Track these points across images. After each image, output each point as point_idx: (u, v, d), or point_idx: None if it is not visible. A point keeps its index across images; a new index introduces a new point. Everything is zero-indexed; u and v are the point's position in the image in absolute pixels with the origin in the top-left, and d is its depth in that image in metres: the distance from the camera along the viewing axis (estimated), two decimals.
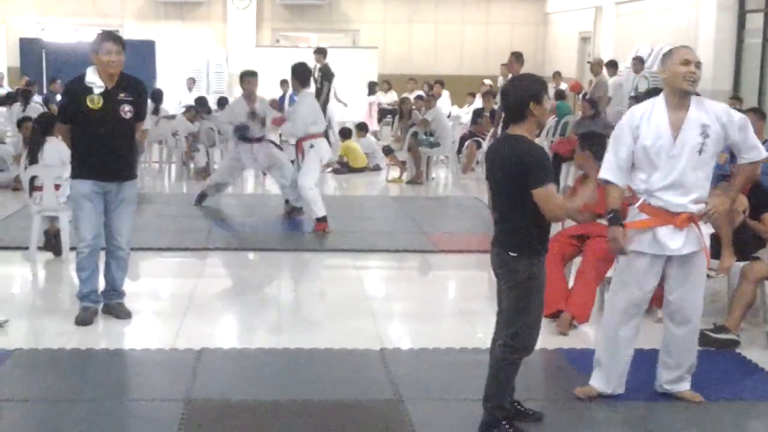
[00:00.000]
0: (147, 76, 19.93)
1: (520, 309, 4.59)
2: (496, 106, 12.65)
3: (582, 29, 22.95)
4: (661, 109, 4.91)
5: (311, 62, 17.57)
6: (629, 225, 5.00)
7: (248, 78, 10.72)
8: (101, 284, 6.64)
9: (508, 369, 4.64)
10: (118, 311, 6.56)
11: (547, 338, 6.37)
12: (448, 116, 17.66)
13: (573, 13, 23.49)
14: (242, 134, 10.68)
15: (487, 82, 20.41)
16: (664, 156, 4.85)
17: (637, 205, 4.99)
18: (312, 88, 10.36)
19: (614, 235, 4.97)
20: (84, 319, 6.39)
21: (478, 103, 18.06)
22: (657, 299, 6.93)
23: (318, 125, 9.86)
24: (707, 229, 5.02)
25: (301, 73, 10.13)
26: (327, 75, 16.29)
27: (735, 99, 14.03)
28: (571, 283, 6.84)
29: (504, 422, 4.69)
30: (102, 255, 6.60)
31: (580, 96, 16.85)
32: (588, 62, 19.18)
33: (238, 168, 11.32)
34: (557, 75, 20.55)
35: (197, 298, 7.34)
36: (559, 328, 6.44)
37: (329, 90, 16.48)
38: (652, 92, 10.38)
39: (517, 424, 4.72)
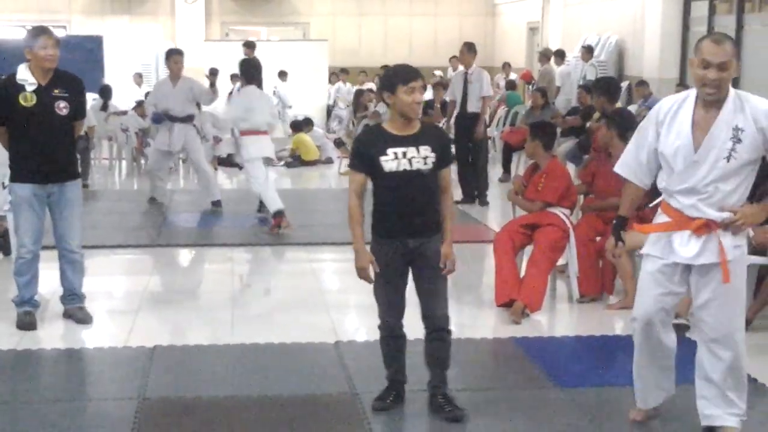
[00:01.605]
0: (95, 71, 19.69)
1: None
2: (446, 98, 12.67)
3: (530, 19, 23.07)
4: (689, 106, 4.27)
5: (241, 55, 17.67)
6: (639, 228, 4.71)
7: (174, 57, 10.60)
8: (59, 290, 6.54)
9: (380, 336, 4.90)
10: (78, 316, 6.45)
11: (500, 327, 6.45)
12: None
13: (521, 3, 23.61)
14: (157, 120, 10.64)
15: (438, 73, 20.47)
16: (681, 160, 4.24)
17: (658, 202, 4.68)
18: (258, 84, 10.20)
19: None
20: (26, 324, 6.27)
21: (428, 94, 18.08)
22: (607, 285, 7.06)
23: (250, 121, 9.70)
24: (735, 241, 4.29)
25: (244, 70, 10.06)
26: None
27: (681, 86, 14.20)
28: (522, 273, 6.89)
29: (391, 393, 4.93)
30: (54, 259, 6.52)
31: (530, 86, 16.99)
32: (537, 52, 19.35)
33: (161, 152, 11.05)
34: (507, 66, 20.67)
35: (149, 295, 7.29)
36: (512, 317, 6.48)
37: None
38: (602, 81, 10.55)
39: (394, 390, 4.92)
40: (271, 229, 9.52)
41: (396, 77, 4.60)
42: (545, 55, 17.47)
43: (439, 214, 4.71)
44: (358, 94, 18.65)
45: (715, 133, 4.19)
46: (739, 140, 4.15)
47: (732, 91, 4.22)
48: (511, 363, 5.82)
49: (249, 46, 16.95)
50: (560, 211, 6.93)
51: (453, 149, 13.75)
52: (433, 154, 4.62)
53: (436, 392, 4.85)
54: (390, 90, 4.59)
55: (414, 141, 4.61)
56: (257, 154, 9.73)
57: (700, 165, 4.21)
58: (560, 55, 17.95)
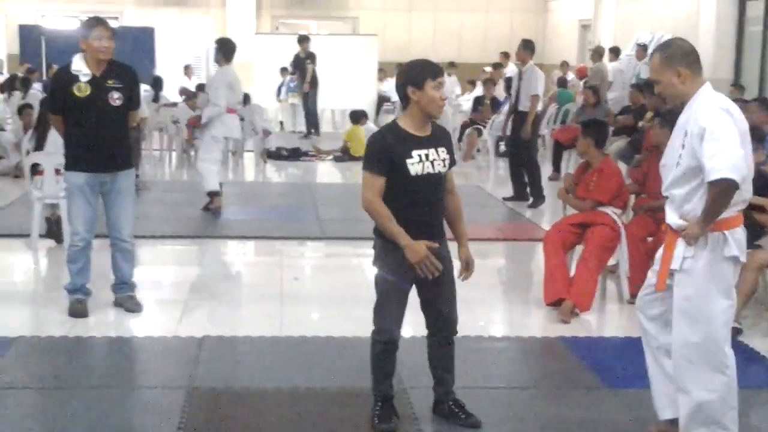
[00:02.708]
0: (146, 63, 19.92)
1: (375, 287, 4.61)
2: (497, 94, 12.61)
3: (582, 16, 22.90)
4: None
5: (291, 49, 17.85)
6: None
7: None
8: (111, 278, 6.61)
9: (373, 348, 4.61)
10: (129, 304, 6.51)
11: (549, 326, 6.41)
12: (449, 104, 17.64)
13: (573, 0, 23.44)
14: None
15: (488, 69, 20.40)
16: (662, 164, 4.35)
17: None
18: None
19: None
20: (78, 311, 6.34)
21: (478, 90, 18.05)
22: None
23: (216, 101, 9.82)
24: (688, 252, 4.17)
25: (219, 47, 10.12)
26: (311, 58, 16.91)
27: (736, 87, 14.02)
28: (572, 272, 6.84)
29: (379, 403, 4.66)
30: (105, 247, 6.59)
31: (584, 82, 16.86)
32: (589, 50, 19.20)
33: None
34: (565, 63, 20.50)
35: (199, 285, 7.34)
36: (561, 316, 6.44)
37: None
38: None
39: (392, 406, 4.66)
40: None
41: (425, 71, 4.33)
42: (597, 53, 17.32)
43: (444, 229, 4.56)
44: None
45: (673, 137, 4.26)
46: (684, 145, 4.14)
47: (699, 92, 4.17)
48: (559, 362, 5.78)
49: (303, 40, 17.06)
50: (611, 211, 6.87)
51: (504, 147, 13.85)
52: (447, 156, 4.47)
53: (448, 398, 4.75)
54: (416, 85, 4.32)
55: (433, 142, 4.43)
56: (222, 131, 10.04)
57: (667, 170, 4.26)
58: (615, 51, 17.80)
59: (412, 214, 4.39)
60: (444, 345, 4.69)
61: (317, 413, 4.88)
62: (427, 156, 4.37)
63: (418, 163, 4.35)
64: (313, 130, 17.85)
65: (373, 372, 4.67)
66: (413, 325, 6.37)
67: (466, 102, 18.51)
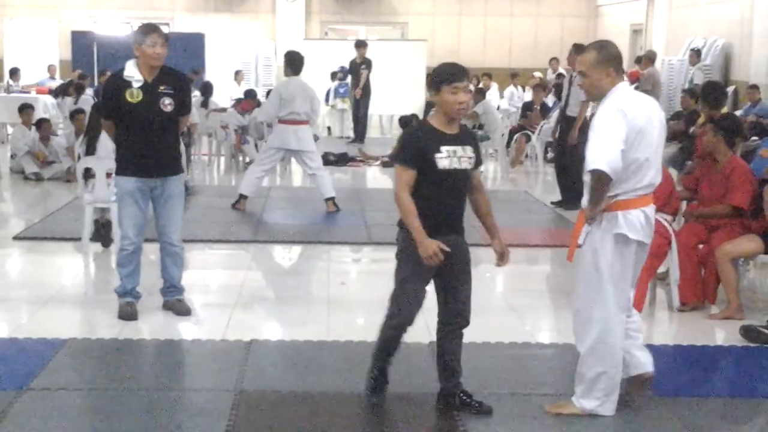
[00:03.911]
0: (197, 69, 20.04)
1: (395, 277, 4.80)
2: (546, 100, 12.53)
3: (633, 21, 22.71)
4: None
5: (341, 54, 17.91)
6: None
7: None
8: (160, 282, 6.67)
9: (384, 333, 4.88)
10: (178, 308, 6.56)
11: None
12: (498, 109, 17.59)
13: (624, 5, 23.25)
14: None
15: (537, 74, 20.30)
16: None
17: None
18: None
19: None
20: (128, 315, 6.40)
21: (528, 96, 17.97)
22: (710, 294, 6.89)
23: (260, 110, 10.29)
24: (587, 228, 4.67)
25: (286, 60, 10.46)
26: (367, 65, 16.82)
27: None
28: None
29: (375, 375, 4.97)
30: (155, 251, 6.65)
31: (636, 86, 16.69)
32: (638, 55, 19.01)
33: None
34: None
35: (246, 289, 7.37)
36: None
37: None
38: (708, 86, 10.31)
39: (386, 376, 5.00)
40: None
41: (441, 76, 4.62)
42: (649, 58, 17.16)
43: (463, 225, 4.82)
44: None
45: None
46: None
47: (613, 90, 4.62)
48: None
49: (360, 45, 17.09)
50: (662, 217, 6.78)
51: (552, 152, 13.75)
52: (473, 155, 4.74)
53: (458, 389, 4.87)
54: (435, 88, 4.64)
55: (460, 140, 4.70)
56: (278, 142, 10.49)
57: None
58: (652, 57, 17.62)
59: (436, 206, 4.67)
60: (457, 336, 4.85)
61: (363, 418, 4.89)
62: (454, 152, 4.65)
63: (446, 158, 4.62)
64: (358, 137, 17.84)
65: (378, 353, 4.97)
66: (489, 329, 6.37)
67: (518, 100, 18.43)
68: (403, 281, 4.75)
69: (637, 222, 4.64)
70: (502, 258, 4.90)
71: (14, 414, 4.75)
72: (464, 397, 4.85)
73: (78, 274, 7.98)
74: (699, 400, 5.19)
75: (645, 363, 4.98)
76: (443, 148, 4.62)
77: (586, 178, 4.58)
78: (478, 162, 4.82)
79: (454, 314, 4.80)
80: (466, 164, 4.69)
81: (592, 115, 5.38)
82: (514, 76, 20.72)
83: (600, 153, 4.44)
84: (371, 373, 5.01)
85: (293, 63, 10.38)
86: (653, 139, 4.63)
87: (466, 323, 4.84)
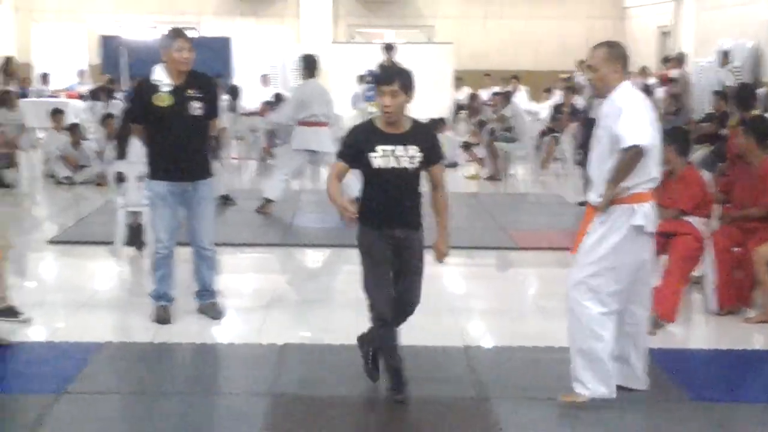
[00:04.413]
0: (223, 72, 20.09)
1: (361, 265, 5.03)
2: (576, 102, 12.49)
3: (661, 23, 22.57)
4: None
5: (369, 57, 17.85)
6: None
7: None
8: (193, 285, 6.69)
9: (376, 330, 5.02)
10: (211, 311, 6.59)
11: None
12: (527, 112, 17.52)
13: (652, 6, 23.11)
14: None
15: (564, 77, 20.21)
16: None
17: None
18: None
19: None
20: (162, 318, 6.43)
21: (557, 98, 17.90)
22: (746, 298, 6.83)
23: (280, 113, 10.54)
24: (599, 219, 4.89)
25: (302, 63, 10.64)
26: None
27: None
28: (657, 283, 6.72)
29: (403, 384, 5.05)
30: (188, 255, 6.67)
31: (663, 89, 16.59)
32: (666, 57, 18.88)
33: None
34: (644, 69, 20.18)
35: (279, 293, 7.38)
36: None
37: None
38: (740, 88, 10.25)
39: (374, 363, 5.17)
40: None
41: (377, 79, 4.98)
42: (679, 60, 17.05)
43: (420, 211, 5.02)
44: (473, 98, 18.53)
45: (600, 119, 4.95)
46: (603, 128, 4.87)
47: (619, 86, 4.82)
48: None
49: (389, 49, 17.08)
50: (696, 221, 6.74)
51: (570, 154, 13.71)
52: (420, 154, 4.87)
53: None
54: (377, 91, 4.89)
55: (403, 140, 4.86)
56: (300, 144, 10.59)
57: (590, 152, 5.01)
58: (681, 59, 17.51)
59: (378, 202, 4.91)
60: (399, 320, 5.07)
61: (401, 422, 4.88)
62: (392, 152, 4.84)
63: (381, 158, 4.83)
64: None
65: (380, 349, 5.10)
66: (497, 335, 6.36)
67: (544, 110, 18.36)
68: (365, 275, 4.99)
69: (650, 214, 4.85)
70: (439, 256, 5.15)
71: (52, 418, 4.79)
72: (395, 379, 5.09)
73: (112, 278, 8.03)
74: (735, 405, 5.15)
75: (640, 379, 5.18)
76: (379, 148, 4.82)
77: (595, 171, 4.84)
78: (430, 161, 4.95)
79: (404, 304, 5.04)
80: (406, 163, 4.84)
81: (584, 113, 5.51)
82: (514, 78, 20.68)
83: (637, 130, 4.65)
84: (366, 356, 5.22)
85: (309, 66, 10.51)
86: (657, 134, 4.87)
87: (407, 310, 5.08)
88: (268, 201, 10.61)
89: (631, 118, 4.69)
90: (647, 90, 17.20)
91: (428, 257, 5.17)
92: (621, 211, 4.81)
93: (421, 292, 5.12)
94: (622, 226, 4.81)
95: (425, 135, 5.03)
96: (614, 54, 4.88)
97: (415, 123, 5.00)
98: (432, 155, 4.97)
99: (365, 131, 4.94)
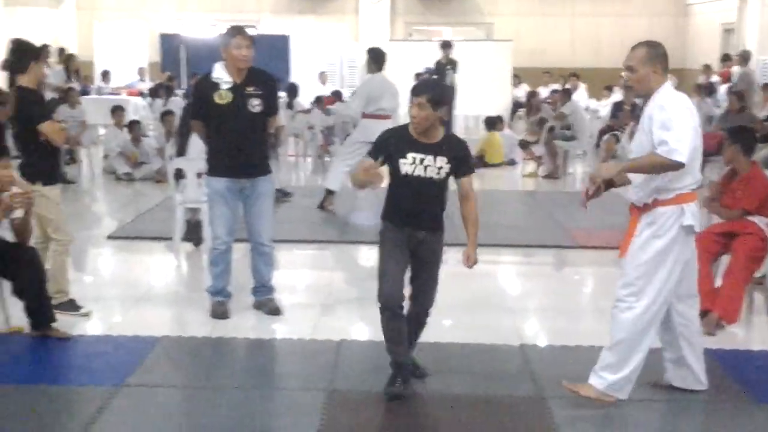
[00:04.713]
0: (281, 70, 20.20)
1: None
2: (636, 100, 12.35)
3: (725, 20, 22.22)
4: None
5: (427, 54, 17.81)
6: None
7: None
8: (251, 281, 6.73)
9: (383, 325, 5.01)
10: (268, 307, 6.62)
11: None
12: (586, 110, 17.36)
13: (715, 3, 22.78)
14: None
15: (625, 74, 19.97)
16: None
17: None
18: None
19: None
20: (219, 313, 6.48)
21: (618, 96, 17.71)
22: None
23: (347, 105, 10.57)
24: (646, 219, 4.84)
25: (369, 56, 10.55)
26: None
27: None
28: (718, 283, 6.61)
29: (398, 378, 5.04)
30: (246, 251, 6.70)
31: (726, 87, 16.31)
32: (726, 54, 18.56)
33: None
34: (707, 68, 19.88)
35: (335, 289, 7.39)
36: (706, 328, 6.21)
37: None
38: None
39: (400, 373, 5.05)
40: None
41: (412, 88, 4.97)
42: (744, 58, 16.76)
43: (442, 215, 5.11)
44: (531, 95, 18.40)
45: (640, 125, 4.89)
46: (647, 131, 4.76)
47: (661, 89, 4.74)
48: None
49: (446, 46, 17.04)
50: (759, 220, 6.61)
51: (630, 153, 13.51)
52: (448, 165, 4.94)
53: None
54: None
55: (433, 150, 4.92)
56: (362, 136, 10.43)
57: (632, 154, 4.96)
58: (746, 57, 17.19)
59: (403, 204, 5.00)
60: (415, 317, 5.18)
61: (455, 420, 4.85)
62: (422, 160, 4.90)
63: (409, 165, 4.91)
64: None
65: (386, 345, 5.06)
66: (553, 334, 6.30)
67: (604, 108, 18.16)
68: (380, 265, 5.06)
69: (697, 213, 4.82)
70: (467, 261, 5.21)
71: (112, 409, 4.85)
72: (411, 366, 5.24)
73: (170, 273, 8.10)
74: None
75: (699, 380, 5.13)
76: (409, 155, 4.90)
77: (651, 159, 4.66)
78: (459, 173, 5.01)
79: (411, 297, 5.14)
80: (432, 173, 4.91)
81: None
82: (574, 76, 20.44)
83: (682, 144, 4.55)
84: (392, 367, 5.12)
85: (377, 59, 10.45)
86: (699, 138, 4.80)
87: (422, 308, 5.18)
88: (330, 193, 10.61)
89: (678, 129, 4.59)
90: (711, 88, 16.94)
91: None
92: (670, 212, 4.75)
93: (436, 295, 5.22)
94: (672, 227, 4.75)
95: (456, 147, 5.04)
96: (653, 54, 4.78)
97: (447, 134, 5.08)
98: (461, 167, 5.03)
99: (398, 136, 5.00)
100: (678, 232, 4.76)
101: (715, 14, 22.90)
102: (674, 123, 4.59)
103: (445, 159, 4.94)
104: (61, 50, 18.33)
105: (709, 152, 12.35)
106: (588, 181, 5.03)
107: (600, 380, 4.92)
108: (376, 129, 10.31)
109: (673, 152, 4.54)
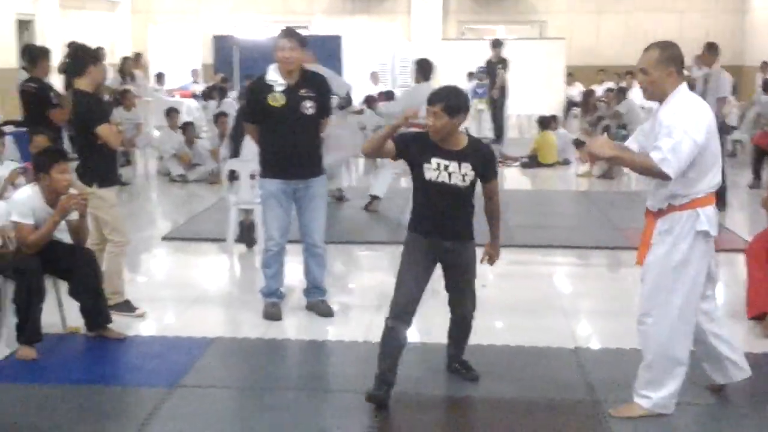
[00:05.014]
0: (334, 70, 20.24)
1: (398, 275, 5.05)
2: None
3: None
4: None
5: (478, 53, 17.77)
6: None
7: None
8: (303, 283, 6.74)
9: (383, 338, 4.94)
10: (321, 309, 6.63)
11: (753, 341, 6.10)
12: (642, 108, 17.15)
13: None
14: None
15: (638, 77, 19.71)
16: None
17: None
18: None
19: None
20: (272, 315, 6.50)
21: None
22: None
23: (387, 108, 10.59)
24: (663, 225, 4.67)
25: (417, 66, 10.67)
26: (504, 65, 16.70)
27: None
28: None
29: (383, 386, 4.91)
30: (298, 252, 6.72)
31: None
32: None
33: None
34: (765, 64, 19.50)
35: (387, 291, 7.29)
36: (765, 331, 6.12)
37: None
38: None
39: (384, 384, 4.92)
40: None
41: (428, 99, 4.84)
42: None
43: (470, 223, 5.04)
44: (588, 94, 18.22)
45: (652, 126, 4.67)
46: (659, 134, 4.53)
47: (677, 91, 4.57)
48: (765, 379, 5.47)
49: (496, 45, 16.96)
50: None
51: None
52: (472, 172, 4.88)
53: (454, 360, 5.38)
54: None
55: (458, 157, 4.86)
56: None
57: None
58: None
59: (425, 210, 4.95)
60: (457, 322, 5.29)
61: (509, 424, 4.81)
62: (446, 167, 4.85)
63: (434, 170, 4.85)
64: (496, 138, 17.65)
65: (379, 352, 4.96)
66: (607, 337, 6.22)
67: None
68: (398, 276, 4.99)
69: (714, 218, 4.67)
70: (489, 260, 5.27)
71: (166, 410, 4.88)
72: (457, 365, 5.36)
73: (223, 275, 8.15)
74: None
75: (742, 368, 5.02)
76: (434, 160, 4.84)
77: (643, 160, 4.52)
78: (485, 178, 4.99)
79: (449, 304, 5.24)
80: (456, 180, 4.85)
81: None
82: (629, 74, 20.13)
83: (677, 159, 4.39)
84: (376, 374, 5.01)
85: (423, 69, 10.55)
86: (716, 140, 4.65)
87: (460, 316, 5.25)
88: (375, 198, 10.65)
89: (678, 140, 4.40)
90: (766, 85, 16.62)
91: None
92: (686, 216, 4.60)
93: (475, 305, 5.25)
94: (688, 233, 4.60)
95: (481, 153, 4.99)
96: (668, 55, 4.59)
97: (472, 140, 5.03)
98: (486, 173, 5.00)
99: (422, 141, 4.93)
100: (695, 238, 4.60)
101: None
102: (677, 133, 4.41)
103: (469, 166, 4.88)
104: (125, 59, 18.55)
105: (766, 151, 12.18)
106: (585, 154, 4.82)
107: (644, 400, 4.78)
108: None
109: (663, 162, 4.39)
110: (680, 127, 4.43)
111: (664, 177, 4.44)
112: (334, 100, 14.35)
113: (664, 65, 4.57)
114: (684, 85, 4.64)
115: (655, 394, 4.74)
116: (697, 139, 4.43)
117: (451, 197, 4.90)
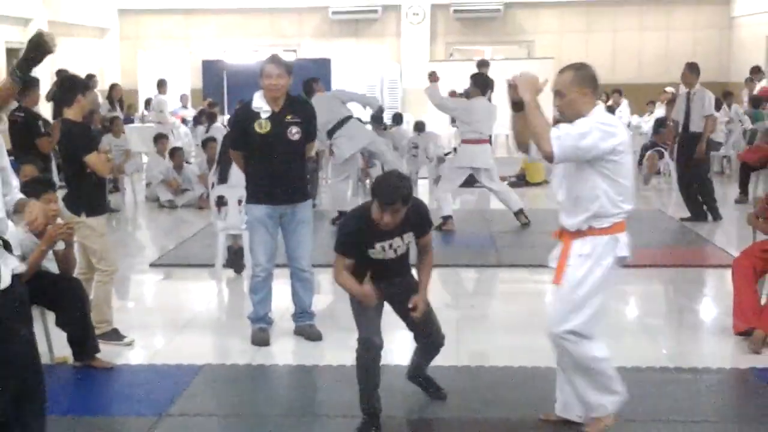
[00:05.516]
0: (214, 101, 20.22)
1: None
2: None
3: None
4: None
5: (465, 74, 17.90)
6: None
7: None
8: (291, 307, 6.74)
9: (357, 362, 4.96)
10: (309, 333, 6.62)
11: (739, 356, 6.12)
12: (628, 126, 17.23)
13: (762, 15, 22.48)
14: None
15: (669, 89, 19.82)
16: None
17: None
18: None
19: None
20: (261, 340, 6.49)
21: (660, 111, 17.55)
22: None
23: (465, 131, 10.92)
24: (582, 249, 4.65)
25: (472, 81, 11.14)
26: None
27: None
28: (764, 300, 6.52)
29: (364, 417, 4.93)
30: (285, 277, 6.72)
31: None
32: (756, 67, 18.31)
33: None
34: (750, 80, 19.60)
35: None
36: (752, 346, 6.14)
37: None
38: None
39: (376, 422, 4.91)
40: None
41: (378, 195, 4.71)
42: None
43: (409, 264, 5.14)
44: None
45: None
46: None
47: (593, 111, 4.56)
48: (750, 395, 5.51)
49: (482, 65, 17.07)
50: None
51: (673, 169, 13.41)
52: (411, 234, 4.94)
53: (418, 372, 5.41)
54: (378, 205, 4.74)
55: (400, 231, 4.86)
56: (466, 161, 11.10)
57: (558, 178, 4.82)
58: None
59: (372, 270, 4.91)
60: (429, 351, 5.35)
61: None
62: (390, 245, 4.90)
63: (379, 252, 4.89)
64: None
65: (359, 385, 4.96)
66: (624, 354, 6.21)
67: (646, 124, 18.00)
68: (356, 313, 5.05)
69: (629, 242, 4.68)
70: (414, 309, 5.03)
71: None
72: (422, 381, 5.40)
73: (212, 300, 8.15)
74: None
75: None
76: (378, 245, 4.86)
77: (564, 194, 4.69)
78: (421, 234, 5.00)
79: (424, 339, 5.28)
80: (401, 251, 4.96)
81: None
82: (617, 92, 20.25)
83: (565, 143, 4.39)
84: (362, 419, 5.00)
85: (478, 83, 11.00)
86: (631, 162, 4.67)
87: (438, 345, 5.28)
88: (447, 218, 10.84)
89: (576, 131, 4.42)
90: (756, 101, 16.70)
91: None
92: (606, 241, 4.59)
93: (442, 335, 5.26)
94: (607, 256, 4.59)
95: (418, 217, 4.97)
96: (581, 76, 4.59)
97: (409, 208, 4.83)
98: (423, 232, 5.03)
99: (364, 228, 4.85)
100: (612, 263, 4.61)
101: (762, 26, 22.61)
102: (578, 128, 4.42)
103: (410, 232, 4.94)
104: (113, 86, 18.58)
105: (754, 167, 12.27)
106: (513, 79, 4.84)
107: (601, 408, 4.77)
108: (476, 153, 10.80)
109: (557, 139, 4.38)
110: (589, 124, 4.44)
111: (547, 154, 4.43)
112: (368, 112, 14.61)
113: (579, 86, 4.57)
114: (600, 106, 4.68)
115: (607, 399, 4.75)
116: (599, 142, 4.42)
117: (393, 266, 5.00)
